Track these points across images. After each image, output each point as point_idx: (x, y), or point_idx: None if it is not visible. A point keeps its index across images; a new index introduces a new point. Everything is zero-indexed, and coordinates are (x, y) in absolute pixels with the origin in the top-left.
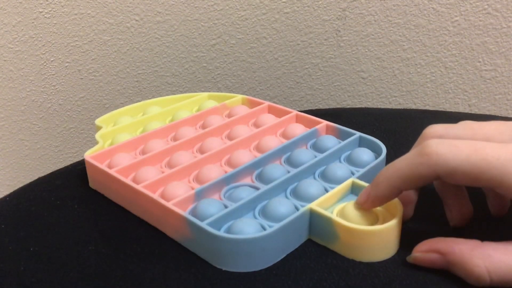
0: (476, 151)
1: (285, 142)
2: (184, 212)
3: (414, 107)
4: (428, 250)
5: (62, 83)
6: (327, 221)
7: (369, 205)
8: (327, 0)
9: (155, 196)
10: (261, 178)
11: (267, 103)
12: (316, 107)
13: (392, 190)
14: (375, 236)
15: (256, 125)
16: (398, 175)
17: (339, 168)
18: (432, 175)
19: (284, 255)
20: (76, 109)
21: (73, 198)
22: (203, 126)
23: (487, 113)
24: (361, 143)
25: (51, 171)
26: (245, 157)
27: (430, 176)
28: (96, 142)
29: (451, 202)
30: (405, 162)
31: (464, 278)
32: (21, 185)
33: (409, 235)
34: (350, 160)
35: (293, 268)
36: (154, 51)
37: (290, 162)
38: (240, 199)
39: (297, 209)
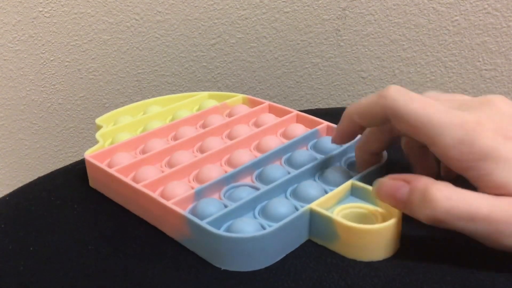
0: (425, 107)
1: (285, 142)
2: (184, 211)
3: None
4: (396, 177)
5: (62, 83)
6: (327, 220)
7: (339, 140)
8: (327, 0)
9: (155, 195)
10: (261, 178)
11: (267, 102)
12: (316, 107)
13: (352, 125)
14: (375, 235)
15: (257, 125)
16: (357, 111)
17: (339, 170)
18: (383, 116)
19: (284, 255)
20: (76, 109)
21: (73, 197)
22: (203, 126)
23: None
24: None
25: (51, 171)
26: (245, 157)
27: (381, 116)
28: (96, 142)
29: (415, 161)
30: (365, 100)
31: (418, 209)
32: (20, 184)
33: (409, 235)
34: (350, 162)
35: (293, 267)
36: (154, 50)
37: (290, 163)
38: (240, 199)
39: (296, 209)
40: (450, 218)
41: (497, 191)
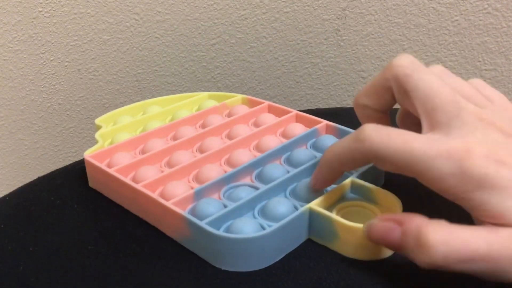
0: (406, 143)
1: (285, 141)
2: (184, 212)
3: None
4: (386, 218)
5: (62, 83)
6: (327, 220)
7: (319, 186)
8: (327, 0)
9: (155, 195)
10: (260, 177)
11: (267, 102)
12: (316, 107)
13: (333, 171)
14: None
15: (256, 125)
16: (337, 159)
17: None
18: (366, 160)
19: (284, 255)
20: (76, 109)
21: (72, 197)
22: (203, 126)
23: None
24: None
25: (51, 171)
26: (245, 156)
27: (363, 161)
28: (96, 142)
29: None
30: (342, 146)
31: (414, 254)
32: (20, 184)
33: None
34: None
35: (293, 267)
36: (154, 50)
37: (290, 162)
38: (239, 198)
39: (296, 209)
40: (449, 262)
41: (494, 221)
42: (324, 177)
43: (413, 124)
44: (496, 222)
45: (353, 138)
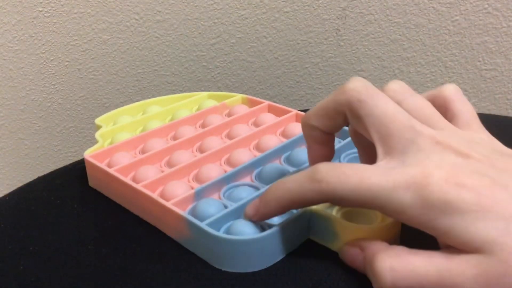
0: (362, 180)
1: (285, 141)
2: (184, 212)
3: None
4: (354, 244)
5: (62, 82)
6: (327, 220)
7: (258, 219)
8: (327, 0)
9: (155, 195)
10: (260, 177)
11: (267, 102)
12: None
13: (281, 209)
14: (375, 234)
15: (256, 124)
16: (288, 197)
17: None
18: (321, 201)
19: (284, 255)
20: (76, 108)
21: (72, 197)
22: (203, 125)
23: (487, 112)
24: None
25: (51, 170)
26: (245, 156)
27: (318, 201)
28: (96, 141)
29: (363, 151)
30: (296, 185)
31: (371, 281)
32: (20, 184)
33: (409, 233)
34: (349, 159)
35: (293, 268)
36: (154, 50)
37: (290, 161)
38: (240, 198)
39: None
40: None
41: (460, 247)
42: (270, 212)
43: (366, 139)
44: (462, 249)
45: (308, 178)
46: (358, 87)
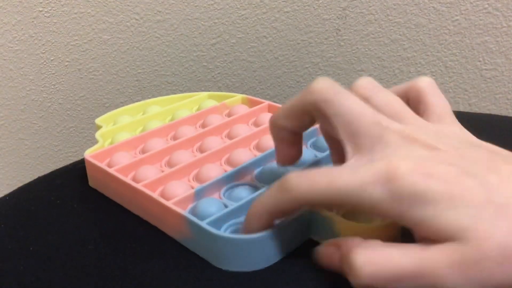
0: (330, 183)
1: None
2: (184, 211)
3: None
4: (329, 243)
5: (62, 82)
6: (327, 219)
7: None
8: None
9: (155, 195)
10: (261, 177)
11: (267, 102)
12: None
13: (263, 223)
14: (376, 234)
15: (256, 124)
16: (265, 211)
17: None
18: (295, 207)
19: (285, 254)
20: (76, 108)
21: (72, 197)
22: (203, 125)
23: (488, 112)
24: None
25: (51, 170)
26: (245, 156)
27: (293, 209)
28: (96, 141)
29: (334, 149)
30: (269, 198)
31: (348, 277)
32: (20, 184)
33: (409, 233)
34: None
35: (294, 267)
36: (154, 50)
37: None
38: (240, 198)
39: None
40: (377, 283)
41: (435, 237)
42: (255, 229)
43: (336, 138)
44: (437, 239)
45: (279, 189)
46: (325, 87)
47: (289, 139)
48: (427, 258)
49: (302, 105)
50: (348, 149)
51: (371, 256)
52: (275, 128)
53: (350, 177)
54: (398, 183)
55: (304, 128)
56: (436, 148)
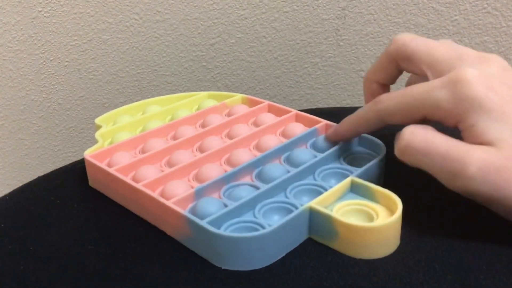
0: (406, 93)
1: (284, 141)
2: (184, 211)
3: None
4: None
5: (62, 82)
6: (327, 218)
7: (335, 138)
8: None
9: (155, 194)
10: (260, 177)
11: (266, 102)
12: (316, 106)
13: (351, 130)
14: (375, 233)
15: (256, 124)
16: (356, 118)
17: (339, 168)
18: (378, 118)
19: (284, 254)
20: (76, 108)
21: (72, 197)
22: (203, 125)
23: None
24: (361, 142)
25: (51, 170)
26: (245, 156)
27: (376, 120)
28: (96, 141)
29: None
30: (362, 109)
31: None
32: (20, 184)
33: (409, 232)
34: (350, 160)
35: (293, 266)
36: (153, 50)
37: (290, 161)
38: (240, 198)
39: (296, 208)
40: (409, 150)
41: (478, 141)
42: (343, 132)
43: (378, 85)
44: (479, 142)
45: (371, 102)
46: (401, 36)
47: (379, 92)
48: (460, 149)
49: (387, 55)
50: (431, 78)
51: (417, 130)
52: (367, 82)
53: (424, 86)
54: (463, 85)
55: (392, 80)
56: (506, 69)
